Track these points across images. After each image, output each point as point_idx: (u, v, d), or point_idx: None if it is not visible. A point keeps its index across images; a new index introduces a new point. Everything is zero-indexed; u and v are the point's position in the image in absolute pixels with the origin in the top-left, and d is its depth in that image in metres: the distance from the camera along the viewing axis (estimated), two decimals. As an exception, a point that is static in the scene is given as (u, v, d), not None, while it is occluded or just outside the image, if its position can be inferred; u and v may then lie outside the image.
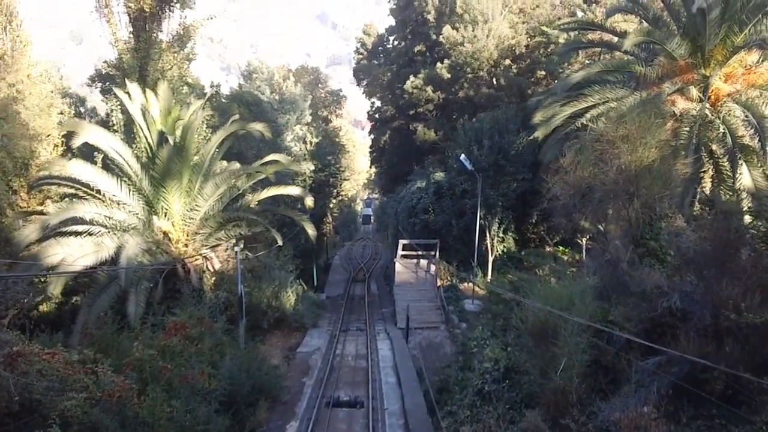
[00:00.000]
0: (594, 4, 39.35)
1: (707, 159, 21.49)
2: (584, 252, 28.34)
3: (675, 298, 11.27)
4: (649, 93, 21.15)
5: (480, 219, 31.77)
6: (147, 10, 26.46)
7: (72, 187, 20.95)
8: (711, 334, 10.81)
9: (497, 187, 33.49)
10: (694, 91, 21.40)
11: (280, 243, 25.10)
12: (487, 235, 33.82)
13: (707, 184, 21.83)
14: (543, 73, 41.96)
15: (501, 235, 34.74)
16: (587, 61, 34.88)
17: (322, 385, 20.96)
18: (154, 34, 27.53)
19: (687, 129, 20.49)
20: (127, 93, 21.78)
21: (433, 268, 36.16)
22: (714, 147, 21.22)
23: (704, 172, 21.62)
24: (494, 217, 33.78)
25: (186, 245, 22.31)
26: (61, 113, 25.55)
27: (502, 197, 33.37)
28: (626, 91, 22.62)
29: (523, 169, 33.42)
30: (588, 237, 27.23)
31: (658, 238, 15.30)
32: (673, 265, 13.54)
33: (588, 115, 23.09)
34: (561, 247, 33.70)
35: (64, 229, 19.78)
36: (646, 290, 12.03)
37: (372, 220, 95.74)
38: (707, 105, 20.95)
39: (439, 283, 34.45)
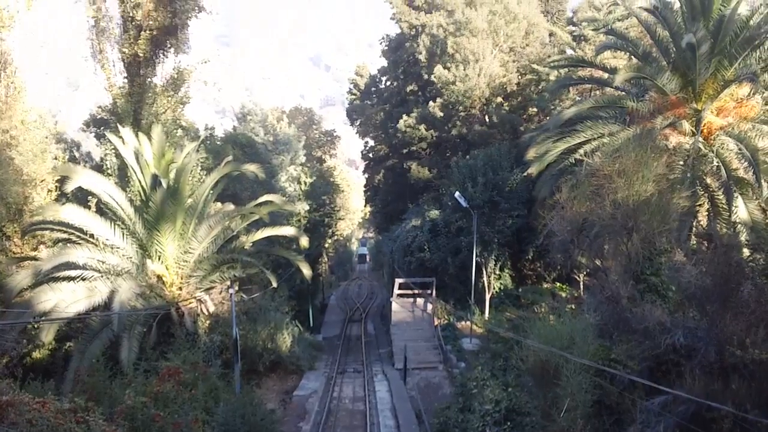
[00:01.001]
0: (583, 42, 39.84)
1: (702, 192, 21.51)
2: (582, 288, 28.13)
3: (678, 334, 11.10)
4: (642, 128, 21.24)
5: (476, 256, 31.62)
6: (141, 55, 26.63)
7: (65, 231, 20.76)
8: (717, 371, 10.61)
9: (493, 223, 33.40)
10: (687, 125, 21.50)
11: (275, 284, 24.86)
12: (484, 272, 33.62)
13: (703, 218, 21.81)
14: (535, 110, 42.28)
15: (498, 272, 34.54)
16: (578, 98, 35.17)
17: (320, 430, 20.52)
18: (149, 79, 27.65)
19: (681, 163, 20.53)
20: (121, 137, 21.78)
21: (429, 306, 35.87)
22: (709, 180, 21.26)
23: (700, 205, 21.62)
24: (490, 254, 33.62)
25: (180, 288, 22.05)
26: (56, 158, 25.49)
27: (498, 234, 33.26)
28: (619, 126, 22.71)
29: (518, 205, 33.38)
30: (586, 273, 27.06)
31: (658, 273, 15.15)
32: (674, 301, 13.40)
33: (581, 151, 23.16)
34: (559, 284, 33.48)
35: (57, 275, 19.53)
36: (649, 327, 11.85)
37: (368, 259, 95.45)
38: (700, 139, 21.03)
39: (436, 322, 34.12)
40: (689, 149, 20.73)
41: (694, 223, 21.34)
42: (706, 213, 21.70)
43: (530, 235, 31.58)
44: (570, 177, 21.70)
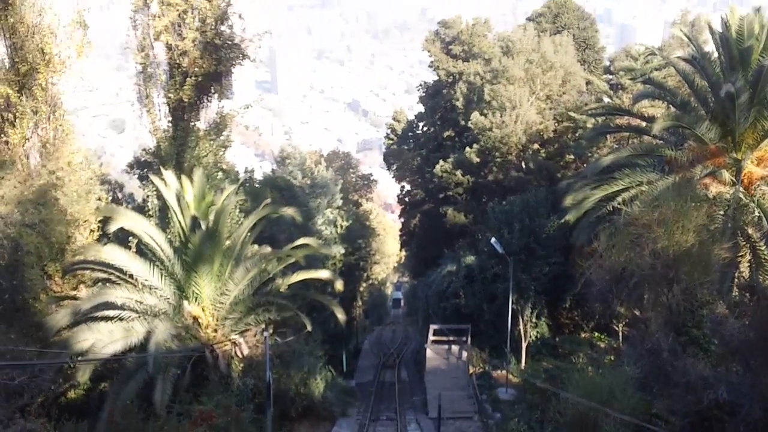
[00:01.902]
0: (620, 91, 39.79)
1: (744, 243, 21.08)
2: (622, 339, 27.53)
3: (721, 389, 10.79)
4: (681, 177, 21.03)
5: (512, 303, 31.24)
6: (186, 100, 27.35)
7: (105, 271, 21.12)
8: (761, 429, 10.25)
9: (529, 270, 33.05)
10: (727, 175, 21.20)
11: (309, 328, 24.80)
12: (520, 320, 33.14)
13: (745, 269, 21.32)
14: (572, 157, 42.14)
15: (534, 320, 34.02)
16: (615, 145, 35.02)
17: (352, 478, 20.21)
18: (192, 123, 28.34)
19: (722, 213, 20.20)
20: (164, 180, 22.24)
21: (464, 354, 35.38)
22: (750, 231, 20.86)
23: (742, 256, 21.17)
24: (527, 302, 33.18)
25: (215, 330, 22.16)
26: (99, 199, 26.08)
27: (535, 281, 32.87)
28: (657, 175, 22.51)
29: (555, 252, 33.03)
30: (625, 323, 26.52)
31: (700, 325, 14.78)
32: (717, 355, 13.04)
33: (619, 198, 22.96)
34: (597, 334, 32.81)
35: (96, 314, 19.81)
36: (691, 381, 11.55)
37: (402, 304, 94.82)
38: (741, 189, 20.72)
39: (471, 370, 33.60)
40: (730, 199, 20.42)
41: (736, 275, 20.86)
42: (748, 264, 21.21)
43: (567, 283, 31.14)
44: (608, 225, 21.47)
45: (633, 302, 18.09)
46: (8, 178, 21.17)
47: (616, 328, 28.45)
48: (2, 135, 22.32)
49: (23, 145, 22.87)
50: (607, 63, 47.48)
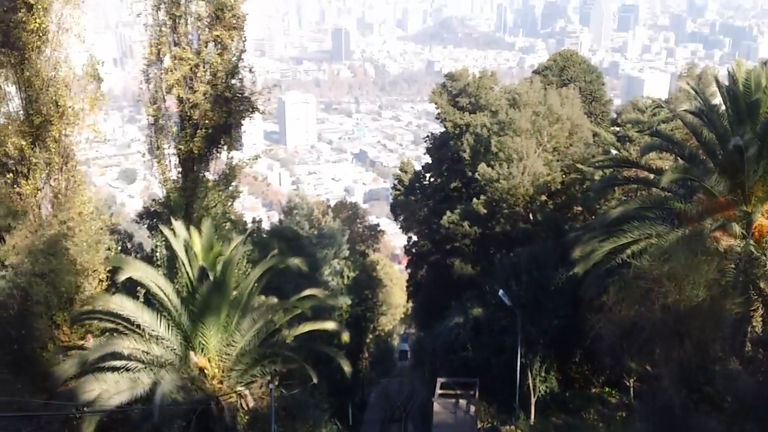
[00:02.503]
0: (628, 143, 40.04)
1: (756, 297, 20.86)
2: (633, 395, 27.06)
3: (737, 449, 10.55)
4: (690, 229, 20.99)
5: (520, 357, 30.87)
6: (196, 152, 27.62)
7: (113, 321, 21.06)
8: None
9: (537, 323, 32.74)
10: (737, 228, 21.12)
11: (315, 380, 24.50)
12: (529, 374, 32.69)
13: (758, 324, 21.06)
14: (580, 208, 42.19)
15: (543, 374, 33.54)
16: (624, 197, 35.07)
17: None
18: (201, 174, 28.57)
19: (733, 266, 20.07)
20: (172, 230, 22.35)
21: (472, 408, 34.80)
22: (762, 284, 20.66)
23: (754, 310, 20.92)
24: (535, 356, 32.78)
25: (221, 382, 21.93)
26: (109, 249, 26.16)
27: (543, 334, 32.53)
28: (667, 228, 22.46)
29: (563, 305, 32.76)
30: (636, 378, 26.11)
31: (713, 382, 14.56)
32: (731, 412, 12.79)
33: (628, 251, 22.85)
34: (608, 389, 32.29)
35: (102, 365, 19.69)
36: (705, 440, 11.30)
37: (409, 356, 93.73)
38: (752, 242, 20.62)
39: (479, 425, 33.03)
40: (740, 253, 20.31)
41: (749, 330, 20.58)
42: (761, 319, 20.95)
43: (577, 337, 30.78)
44: (617, 278, 21.36)
45: (644, 357, 17.85)
46: (20, 228, 21.35)
47: (627, 384, 28.00)
48: (15, 186, 22.49)
49: (35, 196, 23.04)
50: (614, 115, 47.98)
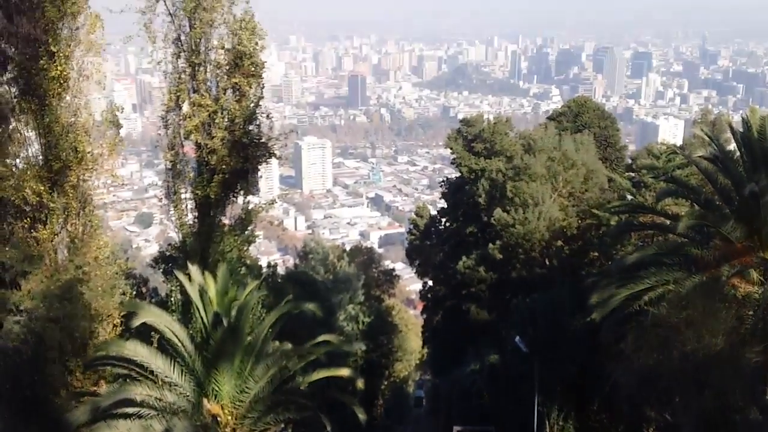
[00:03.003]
0: (643, 188, 39.90)
1: (776, 344, 20.47)
2: (653, 444, 26.44)
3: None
4: (707, 276, 20.74)
5: (537, 405, 30.34)
6: (212, 196, 27.82)
7: (126, 367, 20.98)
8: None
9: (554, 370, 32.23)
10: (755, 274, 20.87)
11: (329, 428, 24.17)
12: (546, 422, 32.07)
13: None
14: (596, 254, 41.88)
15: (561, 422, 32.88)
16: (640, 243, 34.81)
17: None
18: (218, 219, 28.76)
19: (751, 313, 19.75)
20: (188, 275, 22.41)
21: (489, 457, 34.16)
22: (782, 332, 20.28)
23: (775, 358, 20.52)
24: (553, 403, 32.18)
25: (234, 429, 21.69)
26: (123, 294, 26.21)
27: (560, 382, 32.01)
28: (684, 274, 22.16)
29: (581, 351, 32.26)
30: (655, 427, 25.52)
31: (734, 432, 14.22)
32: (754, 465, 12.45)
33: (646, 297, 22.57)
34: (626, 438, 31.57)
35: (115, 411, 19.56)
36: (728, 493, 10.99)
37: (424, 403, 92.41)
38: (770, 288, 20.32)
39: (496, 475, 32.35)
40: (759, 299, 19.99)
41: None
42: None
43: (595, 384, 30.26)
44: (635, 325, 21.07)
45: (663, 406, 17.48)
46: (35, 273, 21.48)
47: (647, 433, 27.38)
48: (32, 231, 22.66)
49: (52, 241, 23.22)
50: (629, 161, 47.97)
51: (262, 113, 28.51)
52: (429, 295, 60.54)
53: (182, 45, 26.65)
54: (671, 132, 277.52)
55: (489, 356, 37.08)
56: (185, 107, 28.23)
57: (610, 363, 19.22)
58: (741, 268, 21.05)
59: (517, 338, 31.02)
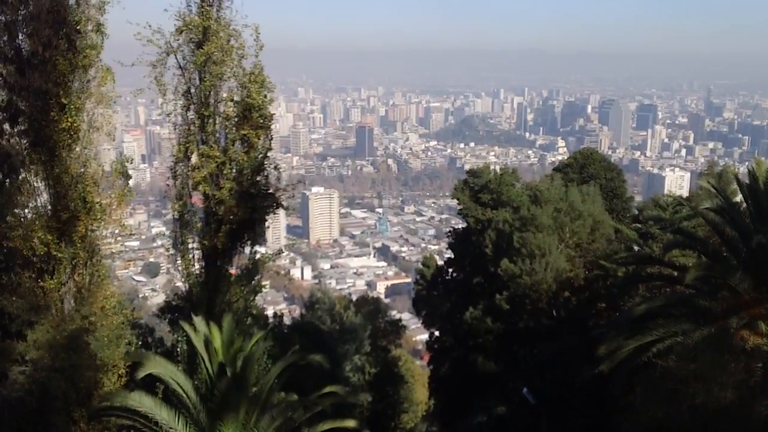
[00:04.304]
0: (650, 240, 39.91)
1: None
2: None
3: None
4: (716, 327, 20.60)
5: (547, 459, 29.82)
6: (219, 247, 27.91)
7: (131, 418, 20.82)
8: None
9: (562, 422, 31.81)
10: (763, 326, 20.72)
11: (335, 482, 23.82)
12: (556, 477, 31.47)
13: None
14: (603, 305, 41.64)
15: (570, 477, 32.27)
16: (647, 294, 34.62)
17: None
18: (224, 269, 28.79)
19: (760, 366, 19.54)
20: (193, 326, 22.41)
21: None
22: (794, 385, 20.02)
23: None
24: (562, 457, 31.66)
25: (238, 482, 21.35)
26: (129, 344, 26.11)
27: (570, 435, 31.53)
28: (692, 325, 22.01)
29: (589, 403, 31.84)
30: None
31: (745, 488, 13.96)
32: None
33: (654, 349, 22.38)
34: (637, 493, 30.84)
35: (117, 464, 19.37)
36: None
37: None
38: (779, 341, 20.14)
39: None
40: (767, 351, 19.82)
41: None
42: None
43: (604, 438, 29.78)
44: (644, 377, 20.86)
45: (675, 461, 17.17)
46: (41, 323, 21.47)
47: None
48: (39, 281, 22.63)
49: (59, 291, 23.19)
50: (636, 212, 48.02)
51: (270, 164, 28.70)
52: (436, 346, 59.93)
53: (192, 97, 27.01)
54: (677, 183, 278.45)
55: (496, 408, 36.63)
56: (194, 158, 28.47)
57: (619, 415, 18.98)
58: (749, 319, 20.92)
59: (525, 390, 30.70)
